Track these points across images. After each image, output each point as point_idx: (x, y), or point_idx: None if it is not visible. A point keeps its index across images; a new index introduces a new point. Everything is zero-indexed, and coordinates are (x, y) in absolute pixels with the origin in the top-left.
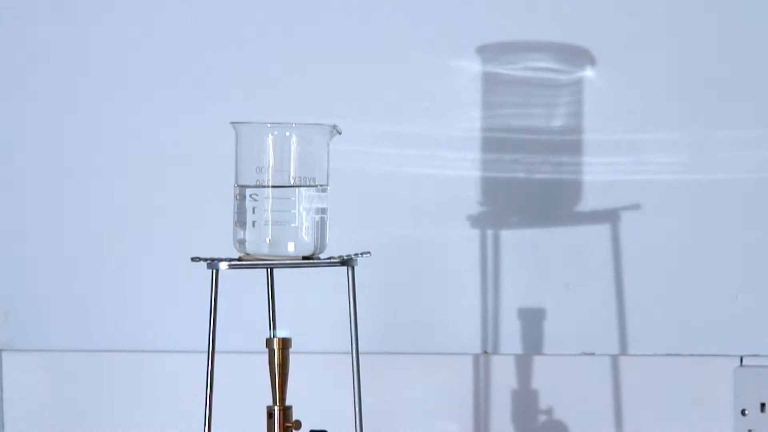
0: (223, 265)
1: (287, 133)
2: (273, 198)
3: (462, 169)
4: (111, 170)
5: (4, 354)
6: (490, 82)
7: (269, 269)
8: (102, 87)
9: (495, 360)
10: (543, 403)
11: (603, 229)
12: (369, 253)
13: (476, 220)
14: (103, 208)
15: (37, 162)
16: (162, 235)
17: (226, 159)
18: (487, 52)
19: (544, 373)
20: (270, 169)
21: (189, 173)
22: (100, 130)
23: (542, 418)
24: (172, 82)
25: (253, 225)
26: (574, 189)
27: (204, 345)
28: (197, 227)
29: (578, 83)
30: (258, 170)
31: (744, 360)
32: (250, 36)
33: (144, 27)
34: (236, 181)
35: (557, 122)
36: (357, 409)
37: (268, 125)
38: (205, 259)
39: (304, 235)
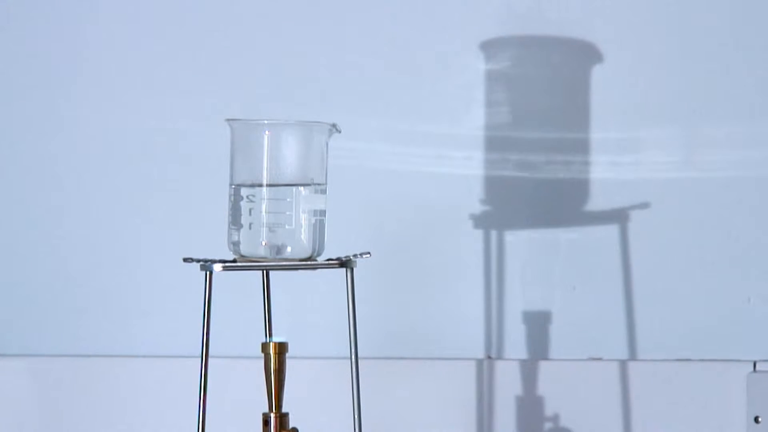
0: (217, 267)
1: (285, 131)
2: (269, 199)
3: (465, 168)
4: (103, 170)
5: None
6: (493, 79)
7: (265, 271)
8: (96, 87)
9: (499, 365)
10: (548, 410)
11: (611, 230)
12: (369, 254)
13: (480, 221)
14: (93, 209)
15: (27, 163)
16: (155, 237)
17: (221, 157)
18: (491, 48)
19: (549, 378)
20: (266, 169)
21: (183, 172)
22: (92, 130)
23: (548, 425)
24: (166, 79)
25: (249, 227)
26: (580, 188)
27: (197, 349)
28: (192, 228)
29: (584, 79)
30: (254, 169)
31: (757, 365)
32: (249, 31)
33: (139, 25)
34: (231, 180)
35: (563, 120)
36: (356, 416)
37: (265, 123)
38: (198, 260)
39: (301, 237)
